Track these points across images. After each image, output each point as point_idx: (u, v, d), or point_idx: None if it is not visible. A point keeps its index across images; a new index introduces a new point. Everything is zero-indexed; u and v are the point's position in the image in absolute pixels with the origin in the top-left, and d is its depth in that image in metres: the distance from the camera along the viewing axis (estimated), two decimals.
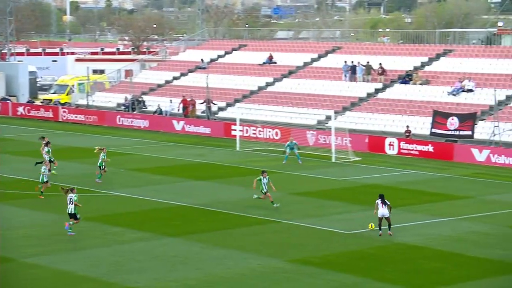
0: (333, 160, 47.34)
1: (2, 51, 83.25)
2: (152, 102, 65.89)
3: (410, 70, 59.42)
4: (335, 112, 53.53)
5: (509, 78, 54.84)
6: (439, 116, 50.51)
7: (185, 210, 34.69)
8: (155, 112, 64.02)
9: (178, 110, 62.66)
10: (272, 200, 34.20)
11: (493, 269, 26.46)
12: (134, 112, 64.57)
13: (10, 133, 59.04)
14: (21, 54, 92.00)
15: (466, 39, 68.89)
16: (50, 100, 72.77)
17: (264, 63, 67.36)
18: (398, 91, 57.77)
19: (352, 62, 61.59)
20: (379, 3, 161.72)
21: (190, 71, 70.65)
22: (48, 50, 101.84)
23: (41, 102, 73.29)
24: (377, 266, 26.77)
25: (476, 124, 49.65)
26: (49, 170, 37.66)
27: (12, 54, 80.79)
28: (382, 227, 30.00)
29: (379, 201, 29.92)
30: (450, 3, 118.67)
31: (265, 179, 34.04)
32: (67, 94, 73.13)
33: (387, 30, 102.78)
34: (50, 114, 67.59)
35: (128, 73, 75.15)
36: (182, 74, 70.59)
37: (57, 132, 59.73)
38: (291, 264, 26.83)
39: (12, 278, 25.32)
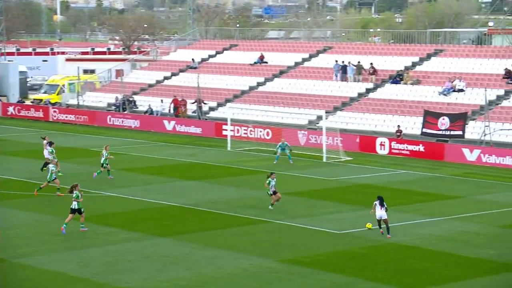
0: (324, 160, 47.35)
1: None
2: (143, 102, 65.77)
3: (401, 70, 59.48)
4: (326, 112, 53.56)
5: (500, 78, 54.96)
6: (430, 116, 50.57)
7: (176, 210, 34.63)
8: (146, 112, 63.90)
9: (169, 110, 62.57)
10: (274, 203, 34.04)
11: (484, 269, 26.48)
12: (125, 112, 64.45)
13: (0, 133, 58.85)
14: (11, 53, 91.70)
15: (456, 39, 69.04)
16: (41, 100, 72.59)
17: (255, 63, 67.33)
18: (389, 91, 57.82)
19: (343, 62, 61.62)
20: (370, 3, 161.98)
21: (181, 71, 70.57)
22: (38, 50, 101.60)
23: (32, 102, 73.10)
24: (368, 266, 26.77)
25: (467, 124, 49.73)
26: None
27: (2, 54, 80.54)
28: (382, 227, 30.00)
29: (377, 202, 29.88)
30: (440, 3, 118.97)
31: (273, 180, 33.90)
32: (57, 94, 72.94)
33: (378, 30, 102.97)
34: (40, 114, 67.41)
35: (119, 73, 75.00)
36: (173, 74, 70.50)
37: (48, 132, 59.41)
38: (282, 264, 26.80)
39: (3, 278, 25.20)
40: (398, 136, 50.82)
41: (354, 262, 27.19)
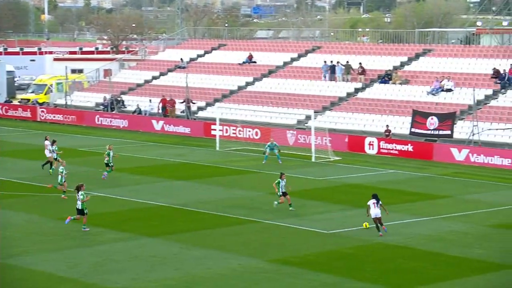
0: (313, 159, 47.35)
1: None
2: (131, 102, 65.62)
3: (389, 70, 59.52)
4: (315, 112, 53.56)
5: (488, 77, 55.09)
6: (419, 116, 50.63)
7: (165, 210, 34.54)
8: (134, 112, 63.76)
9: (158, 110, 62.44)
10: (290, 202, 33.81)
11: (473, 268, 26.51)
12: (113, 112, 64.27)
13: None
14: None
15: (445, 38, 69.14)
16: (28, 100, 72.30)
17: (244, 62, 67.27)
18: (377, 91, 57.87)
19: (332, 61, 61.64)
20: (359, 2, 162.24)
21: (170, 70, 70.44)
22: (26, 50, 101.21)
23: (19, 102, 72.78)
24: (357, 265, 26.77)
25: (455, 124, 49.82)
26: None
27: None
28: (379, 227, 30.00)
29: (371, 202, 29.84)
30: (429, 2, 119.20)
31: (283, 181, 33.76)
32: (45, 94, 72.66)
33: (367, 29, 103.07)
34: (28, 114, 67.16)
35: (107, 72, 74.79)
36: (162, 74, 70.36)
37: (35, 132, 59.33)
38: (271, 264, 26.77)
39: None
40: (387, 136, 50.86)
41: (343, 262, 27.19)
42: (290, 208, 33.78)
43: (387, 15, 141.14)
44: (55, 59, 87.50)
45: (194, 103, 62.08)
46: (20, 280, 25.24)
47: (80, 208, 30.59)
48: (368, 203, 30.04)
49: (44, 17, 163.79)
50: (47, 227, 31.47)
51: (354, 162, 46.93)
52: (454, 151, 47.00)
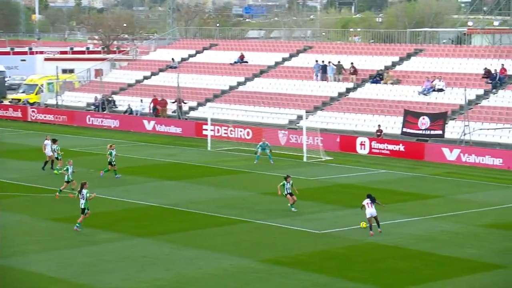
0: (305, 159, 47.34)
1: None
2: (123, 102, 65.51)
3: (381, 70, 59.58)
4: (306, 112, 53.57)
5: (479, 77, 55.18)
6: (410, 116, 50.68)
7: (156, 210, 34.48)
8: (125, 111, 63.65)
9: (150, 110, 62.34)
10: (291, 203, 33.74)
11: (463, 268, 26.53)
12: (104, 112, 64.16)
13: None
14: None
15: (436, 38, 69.24)
16: (19, 100, 72.10)
17: (235, 62, 67.23)
18: (369, 91, 57.90)
19: (323, 61, 61.65)
20: (350, 2, 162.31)
21: (161, 70, 70.35)
22: (16, 49, 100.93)
23: (10, 102, 72.58)
24: (348, 265, 26.76)
25: (446, 124, 49.87)
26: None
27: None
28: (372, 227, 29.97)
29: (365, 202, 29.84)
30: (420, 2, 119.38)
31: (288, 184, 33.66)
32: (36, 94, 72.47)
33: (358, 29, 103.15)
34: (19, 114, 66.98)
35: (98, 72, 74.65)
36: (153, 74, 70.26)
37: (26, 132, 59.21)
38: (262, 264, 26.74)
39: None
40: (379, 135, 50.89)
41: (334, 261, 27.18)
42: (292, 209, 33.65)
43: (378, 15, 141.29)
44: (46, 59, 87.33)
45: (185, 103, 62.01)
46: (11, 281, 25.13)
47: (83, 207, 30.51)
48: (363, 202, 30.07)
49: (35, 17, 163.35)
50: (38, 228, 31.38)
51: (345, 162, 46.94)
52: (446, 151, 47.06)
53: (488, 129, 49.13)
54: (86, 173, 41.48)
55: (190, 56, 71.57)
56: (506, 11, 62.84)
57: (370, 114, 54.73)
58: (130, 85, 69.20)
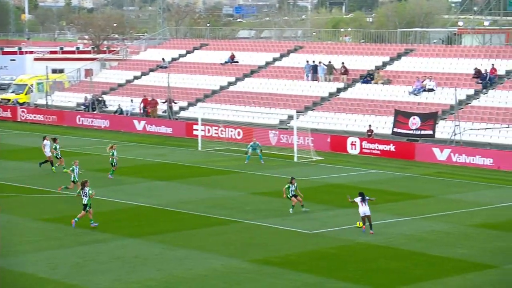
0: (295, 159, 47.32)
1: None
2: (113, 102, 65.38)
3: (371, 70, 59.60)
4: (297, 112, 53.51)
5: (470, 77, 55.27)
6: (401, 116, 50.72)
7: (146, 211, 34.39)
8: (115, 111, 63.52)
9: (140, 110, 62.22)
10: (294, 204, 33.57)
11: (454, 268, 26.54)
12: (94, 112, 64.01)
13: None
14: None
15: (427, 38, 69.30)
16: (9, 100, 71.85)
17: (226, 62, 67.16)
18: (360, 91, 57.93)
19: (314, 61, 61.64)
20: (341, 2, 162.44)
21: (151, 70, 70.23)
22: (6, 49, 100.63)
23: None
24: (339, 265, 26.74)
25: (437, 124, 49.93)
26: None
27: None
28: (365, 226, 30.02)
29: (358, 200, 29.85)
30: (411, 2, 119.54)
31: (293, 186, 33.58)
32: (25, 94, 72.23)
33: (349, 29, 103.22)
34: (8, 114, 66.75)
35: (88, 72, 74.44)
36: (143, 74, 70.13)
37: (16, 132, 59.02)
38: (253, 264, 26.70)
39: None
40: (369, 135, 50.92)
41: (325, 262, 27.15)
42: (303, 209, 33.60)
43: (370, 15, 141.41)
44: (35, 59, 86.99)
45: (176, 103, 61.92)
46: (2, 282, 25.01)
47: (85, 203, 30.58)
48: (355, 200, 30.06)
49: (25, 17, 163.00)
50: (29, 228, 31.25)
51: (336, 162, 46.94)
52: (436, 151, 47.12)
53: (478, 129, 49.21)
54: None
55: (181, 56, 71.47)
56: (496, 11, 62.90)
57: (360, 114, 54.76)
58: (120, 85, 69.06)
